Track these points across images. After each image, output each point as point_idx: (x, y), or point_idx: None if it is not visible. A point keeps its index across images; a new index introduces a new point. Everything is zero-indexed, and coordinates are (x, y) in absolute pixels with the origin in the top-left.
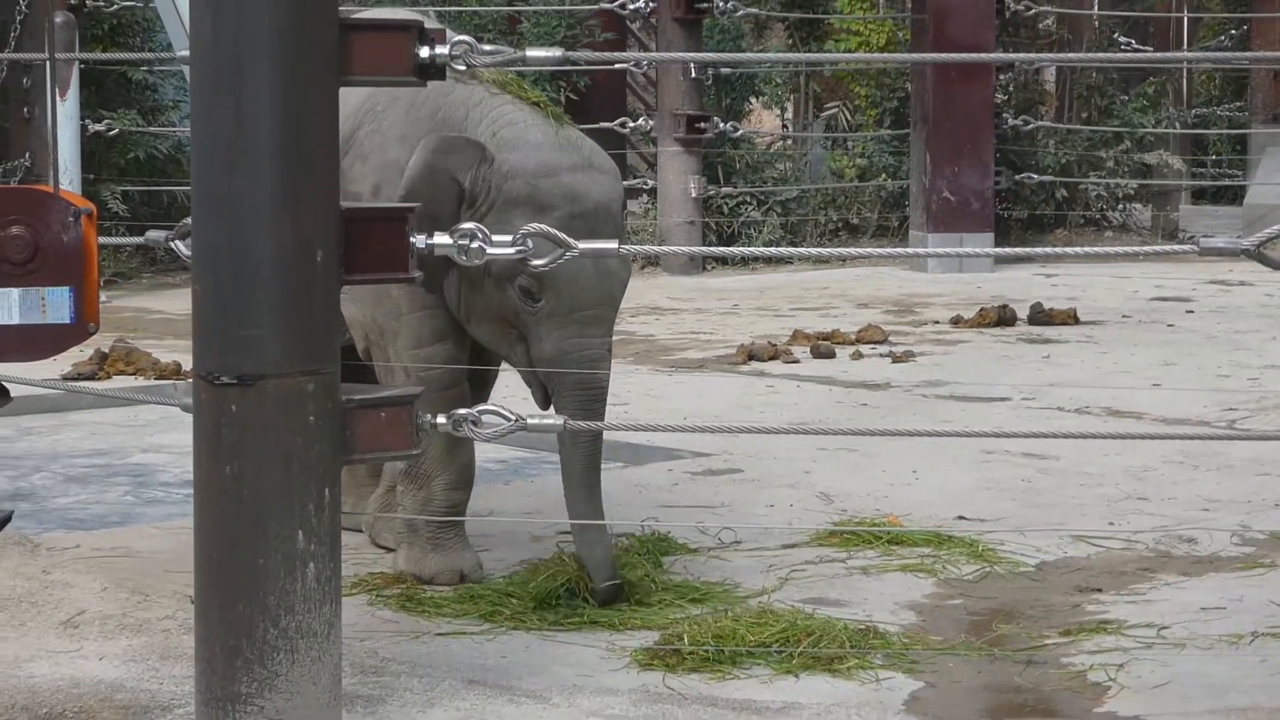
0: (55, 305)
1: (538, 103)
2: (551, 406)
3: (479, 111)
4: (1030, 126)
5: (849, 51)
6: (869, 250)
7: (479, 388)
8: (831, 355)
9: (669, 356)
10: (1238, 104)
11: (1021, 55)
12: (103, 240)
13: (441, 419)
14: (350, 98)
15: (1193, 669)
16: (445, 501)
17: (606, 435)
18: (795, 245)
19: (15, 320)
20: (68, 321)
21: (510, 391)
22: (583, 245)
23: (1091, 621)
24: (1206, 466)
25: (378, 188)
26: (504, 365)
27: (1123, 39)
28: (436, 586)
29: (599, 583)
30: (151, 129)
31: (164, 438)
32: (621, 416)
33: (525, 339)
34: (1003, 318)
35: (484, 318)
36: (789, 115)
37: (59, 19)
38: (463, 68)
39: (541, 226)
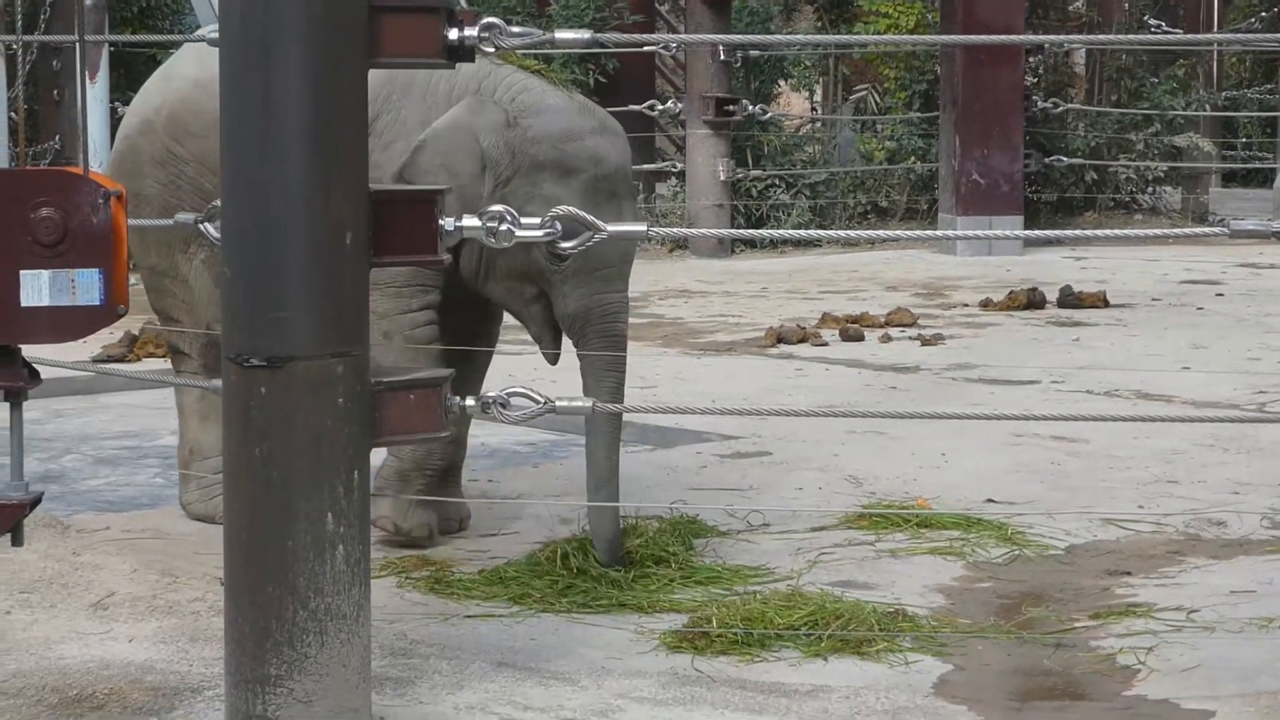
0: (85, 287)
1: (539, 71)
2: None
3: (491, 81)
4: (1060, 109)
5: (878, 34)
6: (898, 233)
7: (472, 370)
8: (860, 338)
9: (697, 339)
10: (1268, 86)
11: (1051, 38)
12: (132, 222)
13: (470, 401)
14: None
15: (1222, 652)
16: (438, 454)
17: (636, 418)
18: (824, 228)
19: (45, 302)
20: (97, 303)
21: (539, 374)
22: (611, 228)
23: (1121, 605)
24: (1236, 449)
25: (400, 175)
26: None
27: (1152, 21)
28: (458, 567)
29: (602, 557)
30: None
31: None
32: (650, 399)
33: (543, 296)
34: (1032, 301)
35: (504, 276)
36: (818, 98)
37: (88, 1)
38: (491, 50)
39: (571, 209)
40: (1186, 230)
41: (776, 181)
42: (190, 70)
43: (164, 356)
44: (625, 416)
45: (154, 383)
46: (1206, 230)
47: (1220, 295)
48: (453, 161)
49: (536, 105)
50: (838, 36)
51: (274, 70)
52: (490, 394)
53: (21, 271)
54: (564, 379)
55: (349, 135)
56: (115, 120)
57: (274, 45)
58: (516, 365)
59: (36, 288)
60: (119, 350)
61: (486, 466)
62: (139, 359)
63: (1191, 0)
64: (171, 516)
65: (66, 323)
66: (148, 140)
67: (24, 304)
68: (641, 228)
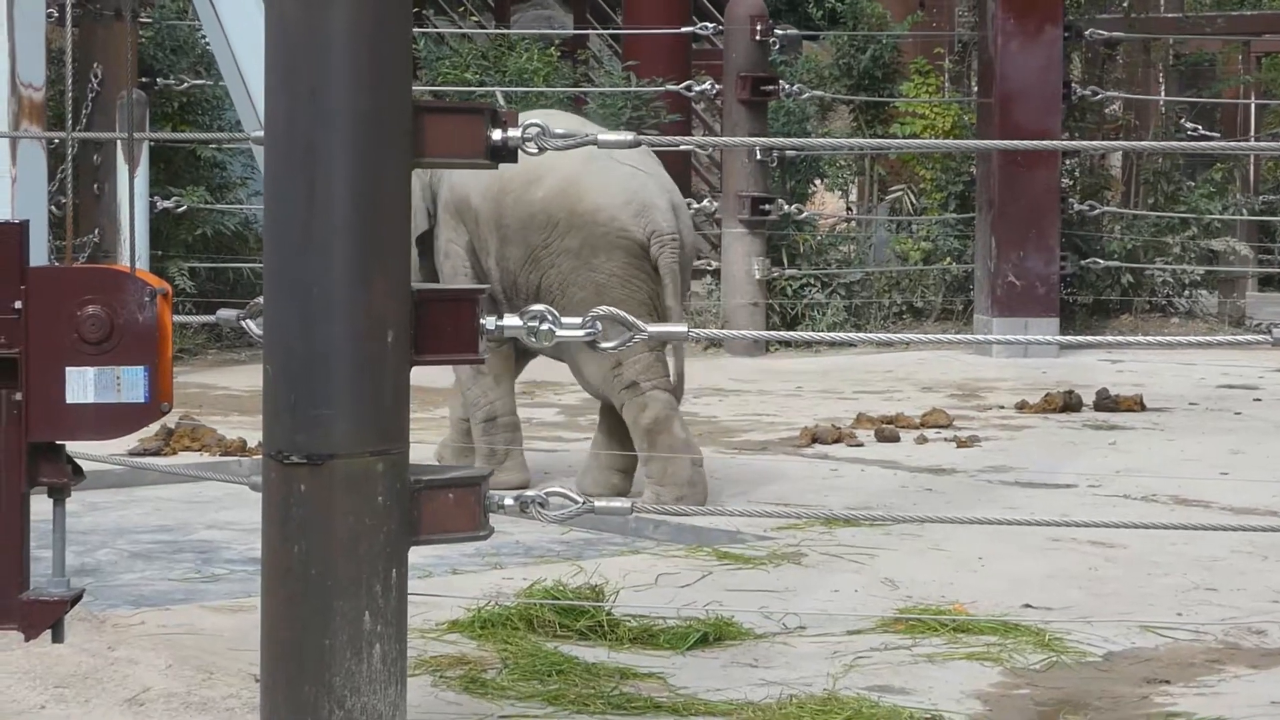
0: (130, 384)
1: None
2: None
3: None
4: (1096, 211)
5: (914, 134)
6: (934, 336)
7: None
8: (896, 439)
9: (732, 439)
10: None
11: (1088, 144)
12: (177, 319)
13: (509, 500)
14: None
15: None
16: None
17: (669, 518)
18: (859, 328)
19: (90, 399)
20: (142, 400)
21: (574, 471)
22: (651, 328)
23: (1160, 713)
24: (1276, 557)
25: None
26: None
27: (1189, 125)
28: (497, 666)
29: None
30: (219, 206)
31: (229, 514)
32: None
33: None
34: (1068, 403)
35: None
36: (853, 197)
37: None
38: (535, 150)
39: (613, 310)
40: (1229, 337)
41: (812, 281)
42: None
43: (200, 450)
44: (659, 518)
45: (189, 477)
46: (1249, 338)
47: (1258, 400)
48: None
49: None
50: (875, 141)
51: (318, 168)
52: (529, 493)
53: (67, 368)
54: None
55: (391, 233)
56: (153, 215)
57: (319, 144)
58: (553, 463)
59: (82, 385)
60: (155, 444)
61: (522, 563)
62: (175, 452)
63: (1229, 105)
64: (206, 612)
65: (111, 420)
66: None
67: (69, 401)
68: (682, 328)
